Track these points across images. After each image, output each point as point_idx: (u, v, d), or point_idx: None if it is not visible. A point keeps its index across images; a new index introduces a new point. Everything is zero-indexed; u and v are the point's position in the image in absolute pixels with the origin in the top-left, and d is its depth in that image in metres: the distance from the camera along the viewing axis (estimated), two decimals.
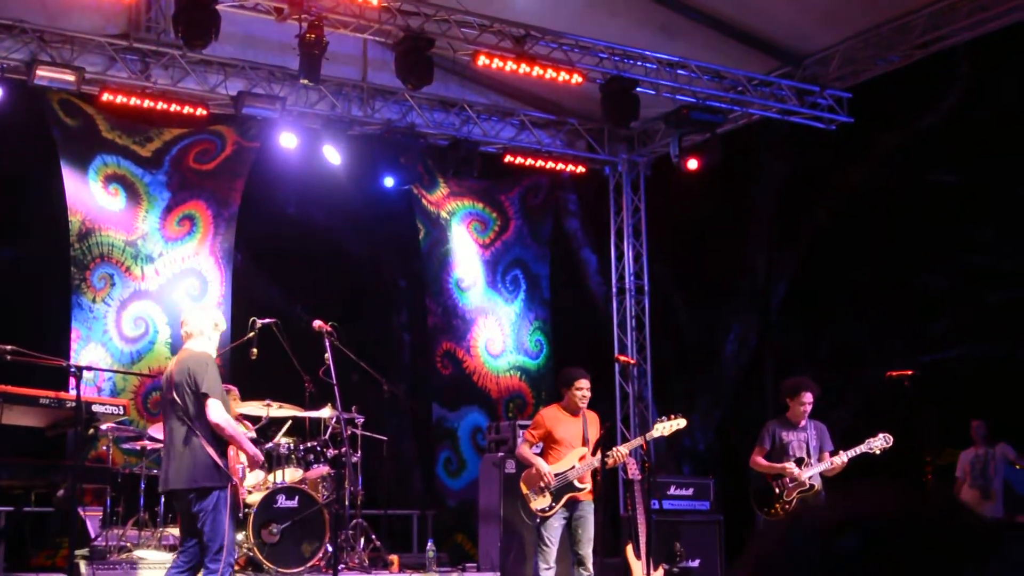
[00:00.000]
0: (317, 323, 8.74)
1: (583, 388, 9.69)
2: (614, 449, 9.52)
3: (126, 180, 13.06)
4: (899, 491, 1.22)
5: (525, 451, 9.84)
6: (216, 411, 7.71)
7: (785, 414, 10.33)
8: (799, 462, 10.08)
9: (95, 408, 7.50)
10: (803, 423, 10.21)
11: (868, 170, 15.14)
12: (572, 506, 9.60)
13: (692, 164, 13.69)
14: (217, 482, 7.71)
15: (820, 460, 10.09)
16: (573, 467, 9.56)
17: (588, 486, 9.65)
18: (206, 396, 7.69)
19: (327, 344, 8.62)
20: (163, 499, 10.40)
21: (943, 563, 1.14)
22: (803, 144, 14.46)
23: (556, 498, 9.53)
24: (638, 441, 9.85)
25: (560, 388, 9.96)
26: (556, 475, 9.51)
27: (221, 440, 7.79)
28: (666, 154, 14.14)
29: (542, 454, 9.78)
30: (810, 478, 10.05)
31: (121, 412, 7.71)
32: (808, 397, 10.12)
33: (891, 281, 14.53)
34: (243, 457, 8.14)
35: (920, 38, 12.30)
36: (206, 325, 8.16)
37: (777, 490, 10.10)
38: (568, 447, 9.67)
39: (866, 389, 14.34)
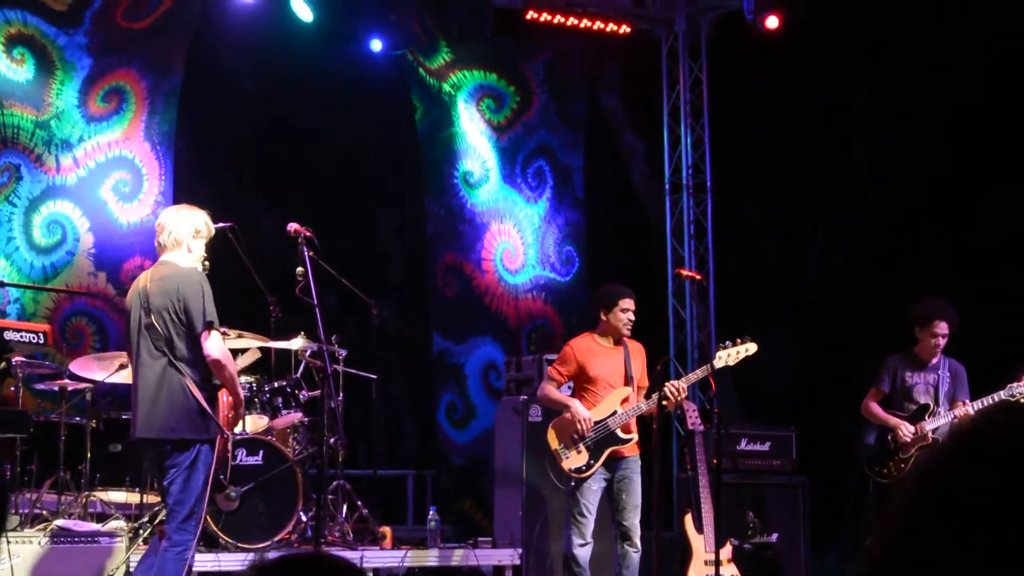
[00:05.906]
0: (293, 226, 8.76)
1: (629, 309, 9.69)
2: (670, 384, 9.41)
3: (35, 42, 13.02)
4: None
5: (551, 391, 9.82)
6: (218, 345, 7.84)
7: (912, 348, 10.35)
8: (923, 410, 10.13)
9: (7, 335, 7.58)
10: (934, 361, 10.26)
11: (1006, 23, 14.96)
12: (613, 464, 9.60)
13: (771, 22, 13.62)
14: (202, 433, 7.83)
15: (952, 409, 10.11)
16: (615, 412, 9.55)
17: (634, 436, 9.63)
18: (210, 326, 7.79)
19: (305, 254, 8.67)
20: (89, 456, 10.41)
21: None
22: None
23: (595, 454, 9.51)
24: (701, 373, 9.76)
25: (598, 311, 9.91)
26: (595, 424, 9.55)
27: (210, 381, 7.91)
28: (737, 10, 14.07)
29: (573, 397, 9.81)
30: (934, 431, 10.10)
31: (41, 340, 7.81)
32: (943, 327, 10.13)
33: None
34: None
35: None
36: (184, 232, 8.05)
37: (892, 444, 10.17)
38: (607, 387, 9.67)
39: (1014, 315, 14.28)
